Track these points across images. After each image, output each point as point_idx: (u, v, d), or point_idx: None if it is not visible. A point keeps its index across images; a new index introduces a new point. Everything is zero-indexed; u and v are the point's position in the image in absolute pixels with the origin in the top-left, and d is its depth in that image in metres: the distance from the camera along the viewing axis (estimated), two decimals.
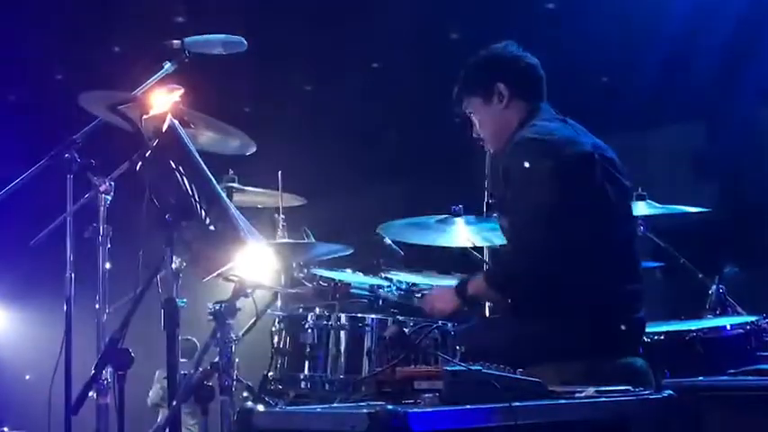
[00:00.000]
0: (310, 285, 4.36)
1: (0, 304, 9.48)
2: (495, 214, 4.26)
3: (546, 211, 3.23)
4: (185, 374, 3.03)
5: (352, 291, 4.18)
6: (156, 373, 8.50)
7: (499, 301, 3.54)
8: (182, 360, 3.04)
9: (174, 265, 3.03)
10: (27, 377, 9.07)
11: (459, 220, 4.43)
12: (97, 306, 3.46)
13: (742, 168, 8.39)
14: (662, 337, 3.87)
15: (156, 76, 3.40)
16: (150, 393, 8.60)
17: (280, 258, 3.99)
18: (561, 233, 3.20)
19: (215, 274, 2.95)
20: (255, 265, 2.91)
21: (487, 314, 4.02)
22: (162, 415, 8.09)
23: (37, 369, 7.71)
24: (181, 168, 2.94)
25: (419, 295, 3.99)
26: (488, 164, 4.24)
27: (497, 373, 2.57)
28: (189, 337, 6.02)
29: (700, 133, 8.56)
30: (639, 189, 4.70)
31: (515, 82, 3.56)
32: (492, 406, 2.43)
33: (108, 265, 3.48)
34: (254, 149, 4.26)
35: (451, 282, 4.03)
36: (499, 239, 4.26)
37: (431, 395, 2.51)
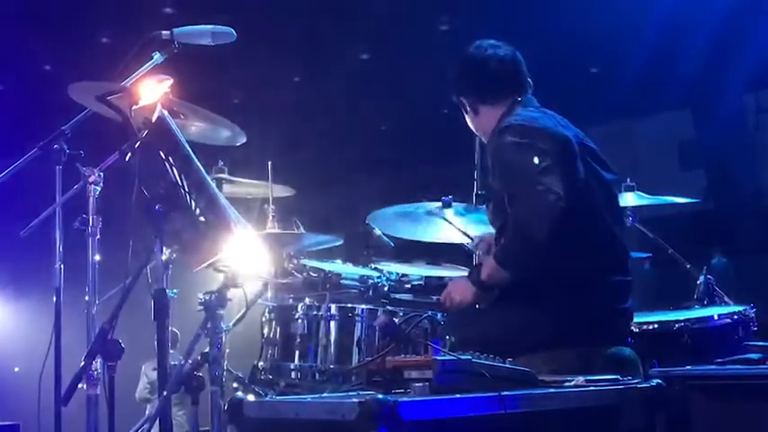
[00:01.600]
0: (300, 276, 4.36)
1: None
2: (485, 205, 4.27)
3: (532, 185, 3.19)
4: (174, 365, 3.02)
5: (342, 281, 4.19)
6: (142, 367, 8.46)
7: (510, 282, 3.39)
8: None
9: (163, 256, 3.03)
10: (16, 369, 9.05)
11: (449, 211, 4.43)
12: (87, 297, 3.45)
13: (728, 157, 8.43)
14: (650, 327, 3.89)
15: (145, 66, 3.38)
16: (137, 389, 8.57)
17: (270, 248, 3.99)
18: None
19: (205, 265, 2.95)
20: (245, 255, 2.91)
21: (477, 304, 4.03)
22: (151, 409, 8.06)
23: (26, 360, 7.71)
24: (170, 159, 2.93)
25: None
26: (478, 154, 4.24)
27: (487, 362, 2.58)
28: (170, 328, 6.01)
29: (686, 122, 8.59)
30: (628, 180, 4.71)
31: (481, 90, 3.58)
32: (482, 395, 2.44)
33: (97, 257, 3.47)
34: (243, 140, 4.25)
35: (446, 272, 4.04)
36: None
37: (421, 384, 2.52)
